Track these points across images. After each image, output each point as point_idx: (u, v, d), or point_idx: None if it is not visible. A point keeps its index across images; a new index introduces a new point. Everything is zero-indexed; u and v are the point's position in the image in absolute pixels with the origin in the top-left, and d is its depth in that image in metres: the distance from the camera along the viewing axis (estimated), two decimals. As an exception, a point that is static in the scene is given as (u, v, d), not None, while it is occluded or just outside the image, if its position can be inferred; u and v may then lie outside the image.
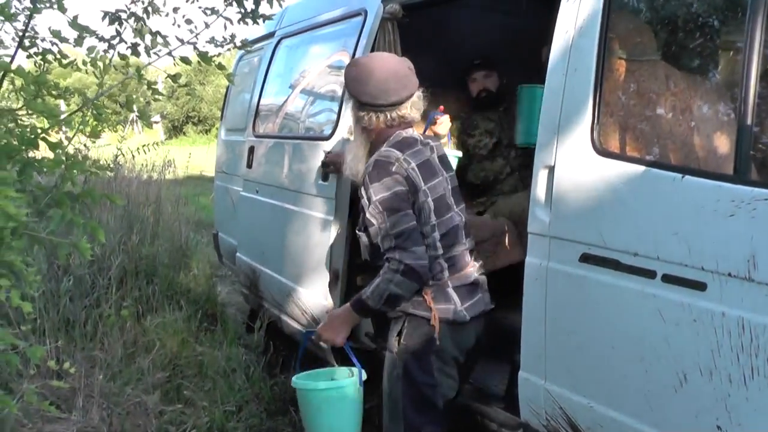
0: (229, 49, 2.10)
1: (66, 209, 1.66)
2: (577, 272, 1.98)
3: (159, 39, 2.19)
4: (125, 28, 2.31)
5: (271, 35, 4.24)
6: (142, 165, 6.13)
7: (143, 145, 5.82)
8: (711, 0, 1.89)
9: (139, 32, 2.29)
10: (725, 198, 1.60)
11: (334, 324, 2.22)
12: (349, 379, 2.21)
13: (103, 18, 2.39)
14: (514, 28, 3.43)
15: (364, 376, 2.20)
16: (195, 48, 1.99)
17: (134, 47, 2.30)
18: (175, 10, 2.35)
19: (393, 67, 2.17)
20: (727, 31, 1.79)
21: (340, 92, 3.12)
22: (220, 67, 1.97)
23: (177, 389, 3.55)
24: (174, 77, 2.29)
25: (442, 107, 2.78)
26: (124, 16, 2.36)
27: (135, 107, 2.02)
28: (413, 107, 2.17)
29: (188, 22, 2.02)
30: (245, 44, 2.16)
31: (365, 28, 3.00)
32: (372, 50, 3.07)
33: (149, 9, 2.32)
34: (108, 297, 4.21)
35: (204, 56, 1.92)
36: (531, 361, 2.17)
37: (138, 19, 2.34)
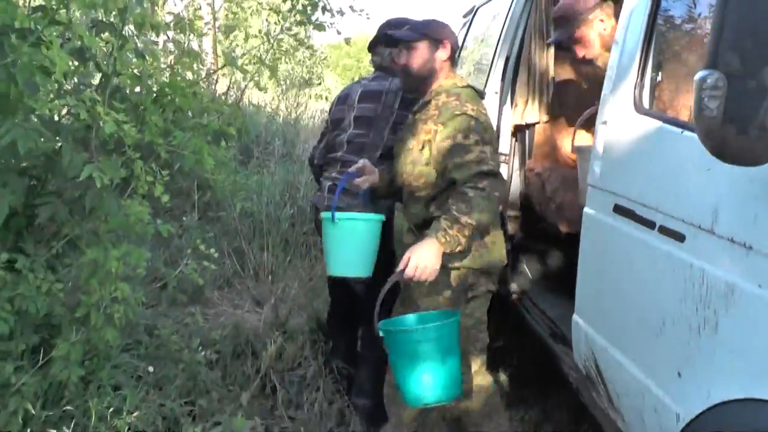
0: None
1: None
2: (610, 222, 2.08)
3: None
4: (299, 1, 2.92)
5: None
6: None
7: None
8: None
9: (313, 6, 2.89)
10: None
11: None
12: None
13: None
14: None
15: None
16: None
17: (308, 18, 2.90)
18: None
19: None
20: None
21: (490, 55, 3.38)
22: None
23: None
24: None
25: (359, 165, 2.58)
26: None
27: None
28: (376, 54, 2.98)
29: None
30: None
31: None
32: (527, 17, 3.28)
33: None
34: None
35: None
36: (582, 307, 2.31)
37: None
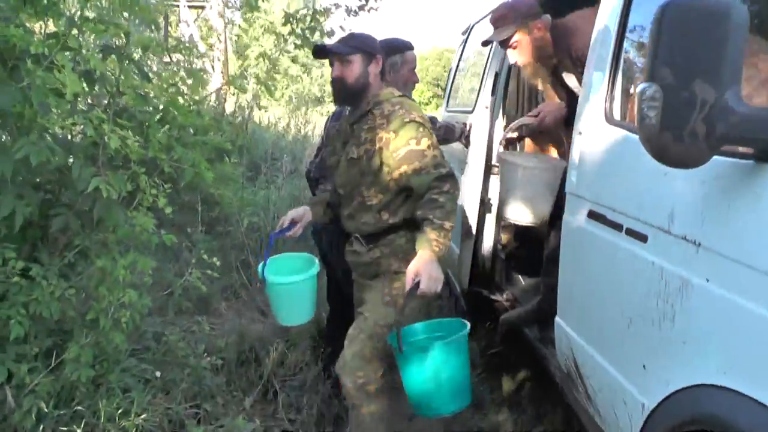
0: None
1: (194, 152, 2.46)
2: (585, 227, 2.20)
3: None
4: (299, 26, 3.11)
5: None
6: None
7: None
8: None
9: (311, 30, 3.07)
10: (665, 158, 1.75)
11: None
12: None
13: (283, 17, 3.21)
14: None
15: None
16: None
17: (305, 41, 3.08)
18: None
19: None
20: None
21: (481, 69, 3.53)
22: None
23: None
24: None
25: (283, 222, 2.66)
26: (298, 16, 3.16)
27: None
28: None
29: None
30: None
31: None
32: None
33: (318, 17, 3.11)
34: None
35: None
36: (563, 308, 2.43)
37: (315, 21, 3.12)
